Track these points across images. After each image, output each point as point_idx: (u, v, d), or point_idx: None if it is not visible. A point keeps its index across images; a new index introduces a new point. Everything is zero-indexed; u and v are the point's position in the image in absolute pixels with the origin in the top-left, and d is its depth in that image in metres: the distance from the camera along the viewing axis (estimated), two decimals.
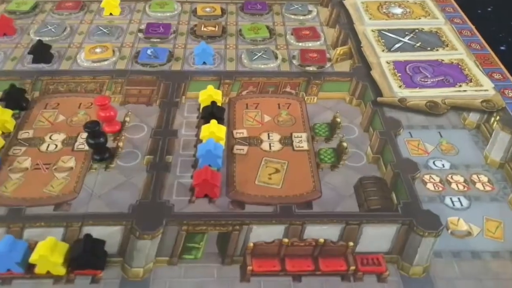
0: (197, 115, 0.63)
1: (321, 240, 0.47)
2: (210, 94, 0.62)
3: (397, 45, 0.76)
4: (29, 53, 0.70)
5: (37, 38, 0.75)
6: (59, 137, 0.58)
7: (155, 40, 0.77)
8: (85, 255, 0.43)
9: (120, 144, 0.57)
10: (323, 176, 0.54)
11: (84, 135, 0.58)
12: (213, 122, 0.57)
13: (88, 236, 0.44)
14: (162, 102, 0.64)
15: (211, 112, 0.60)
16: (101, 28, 0.78)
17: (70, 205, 0.50)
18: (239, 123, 0.61)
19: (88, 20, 0.82)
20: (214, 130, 0.56)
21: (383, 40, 0.77)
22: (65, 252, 0.43)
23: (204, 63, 0.71)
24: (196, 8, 0.84)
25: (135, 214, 0.49)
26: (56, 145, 0.57)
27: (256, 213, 0.50)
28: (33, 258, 0.42)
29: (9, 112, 0.59)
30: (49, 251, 0.42)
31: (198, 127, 0.60)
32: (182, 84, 0.67)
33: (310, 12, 0.85)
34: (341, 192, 0.53)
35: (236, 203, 0.51)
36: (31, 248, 0.44)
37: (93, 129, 0.53)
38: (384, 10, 0.86)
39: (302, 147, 0.58)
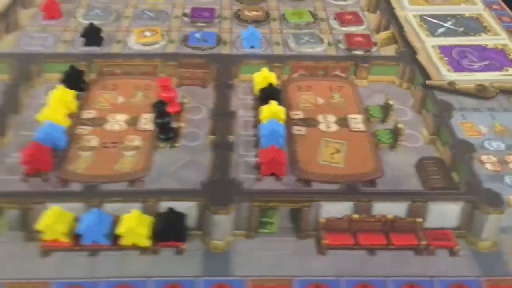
0: (252, 97, 0.64)
1: (390, 216, 0.48)
2: (265, 76, 0.63)
3: (440, 30, 0.77)
4: (81, 36, 0.71)
5: (85, 22, 0.76)
6: (121, 117, 0.60)
7: (201, 24, 0.78)
8: (169, 228, 0.45)
9: (182, 124, 0.58)
10: (382, 156, 0.56)
11: (146, 115, 0.60)
12: (273, 103, 0.58)
13: (171, 209, 0.46)
14: (216, 84, 0.66)
15: (269, 94, 0.61)
16: (146, 12, 0.79)
17: (143, 182, 0.52)
18: (294, 105, 0.63)
19: (132, 4, 0.83)
20: (275, 111, 0.58)
21: (425, 25, 0.78)
22: (149, 224, 0.45)
23: (252, 47, 0.73)
24: None
25: (208, 191, 0.50)
26: (120, 125, 0.58)
27: (324, 191, 0.51)
28: (121, 230, 0.44)
29: (72, 92, 0.60)
30: (136, 223, 0.44)
31: (255, 108, 0.62)
32: (233, 67, 0.69)
33: None
34: (402, 172, 0.54)
35: (302, 181, 0.53)
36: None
37: (161, 109, 0.55)
38: None
39: (359, 128, 0.60)
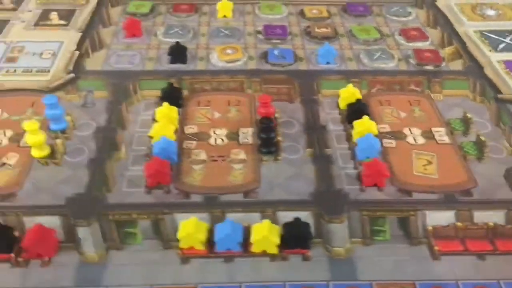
0: (338, 111, 0.68)
1: (491, 223, 0.52)
2: (352, 92, 0.67)
3: (501, 45, 0.81)
4: (168, 54, 0.76)
5: (166, 40, 0.81)
6: (221, 131, 0.64)
7: (275, 41, 0.82)
8: (296, 236, 0.49)
9: (280, 138, 0.62)
10: (472, 167, 0.60)
11: (244, 129, 0.64)
12: (365, 117, 0.62)
13: (297, 219, 0.50)
14: (302, 99, 0.70)
15: (358, 109, 0.65)
16: (222, 30, 0.84)
17: (257, 193, 0.56)
18: (378, 119, 0.67)
19: (205, 22, 0.87)
20: (367, 125, 0.62)
21: (487, 41, 0.82)
22: (278, 233, 0.49)
23: (328, 62, 0.77)
24: (303, 10, 0.90)
25: (319, 201, 0.54)
26: (222, 139, 0.62)
27: (425, 200, 0.55)
28: (255, 238, 0.48)
29: (175, 109, 0.64)
30: (268, 232, 0.48)
31: (343, 122, 0.66)
32: (313, 83, 0.73)
33: (410, 13, 0.91)
34: (493, 182, 0.58)
35: (403, 191, 0.57)
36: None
37: (268, 125, 0.59)
38: (478, 12, 0.91)
39: (444, 140, 0.64)
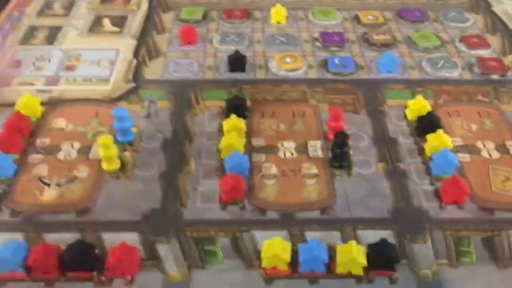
0: (405, 123, 0.66)
1: None
2: (422, 104, 0.65)
3: None
4: (228, 62, 0.74)
5: (222, 47, 0.80)
6: (289, 144, 0.62)
7: (333, 48, 0.80)
8: (382, 257, 0.47)
9: (350, 152, 0.61)
10: None
11: (313, 142, 0.63)
12: (440, 132, 0.60)
13: (383, 240, 0.48)
14: (368, 110, 0.68)
15: (429, 122, 0.63)
16: (277, 37, 0.82)
17: (334, 210, 0.55)
18: (449, 131, 0.65)
19: (259, 29, 0.86)
20: (442, 140, 0.60)
21: None
22: (363, 254, 0.48)
23: (389, 71, 0.75)
24: (358, 16, 0.88)
25: (399, 219, 0.53)
26: (292, 153, 0.61)
27: (509, 219, 0.53)
28: (340, 260, 0.47)
29: (243, 121, 0.63)
30: (354, 253, 0.47)
31: (412, 135, 0.64)
32: (378, 93, 0.71)
33: (467, 19, 0.88)
34: None
35: (484, 209, 0.55)
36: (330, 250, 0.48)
37: (343, 140, 0.57)
38: None
39: None
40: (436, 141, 0.60)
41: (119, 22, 0.87)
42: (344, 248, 0.48)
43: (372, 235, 0.52)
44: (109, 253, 0.47)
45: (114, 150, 0.57)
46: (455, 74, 0.75)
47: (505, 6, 0.93)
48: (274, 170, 0.59)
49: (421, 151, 0.62)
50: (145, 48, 0.79)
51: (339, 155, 0.58)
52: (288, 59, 0.76)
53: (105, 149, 0.56)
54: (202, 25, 0.86)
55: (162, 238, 0.50)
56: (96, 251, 0.49)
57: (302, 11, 0.90)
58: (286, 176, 0.58)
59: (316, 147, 0.62)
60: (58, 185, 0.56)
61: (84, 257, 0.47)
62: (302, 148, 0.62)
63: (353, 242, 0.48)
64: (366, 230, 0.52)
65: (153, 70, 0.75)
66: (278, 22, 0.87)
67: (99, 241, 0.50)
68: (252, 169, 0.59)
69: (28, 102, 0.65)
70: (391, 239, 0.51)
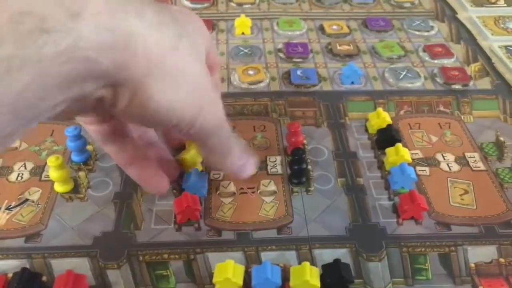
0: (366, 136, 0.66)
1: None
2: (383, 117, 0.65)
3: None
4: None
5: None
6: None
7: (296, 60, 0.80)
8: (338, 280, 0.46)
9: (310, 167, 0.60)
10: (510, 196, 0.58)
11: (272, 158, 0.62)
12: (399, 145, 0.60)
13: (337, 260, 0.48)
14: (329, 123, 0.68)
15: (389, 135, 0.63)
16: (241, 48, 0.82)
17: (290, 229, 0.54)
18: (409, 144, 0.65)
19: (223, 40, 0.85)
20: (401, 153, 0.59)
21: None
22: (318, 276, 0.47)
23: (352, 82, 0.75)
24: (322, 26, 0.88)
25: (356, 237, 0.52)
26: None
27: (464, 234, 0.53)
28: (294, 283, 0.46)
29: None
30: (308, 276, 0.46)
31: (374, 148, 0.64)
32: (340, 105, 0.71)
33: (432, 28, 0.88)
34: None
35: (441, 224, 0.55)
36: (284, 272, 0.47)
37: (301, 156, 0.57)
38: (502, 25, 0.89)
39: (479, 167, 0.62)
40: (394, 155, 0.60)
41: None
42: (297, 270, 0.47)
43: (329, 254, 0.51)
44: (56, 282, 0.46)
45: (66, 171, 0.55)
46: (417, 84, 0.75)
47: (469, 14, 0.93)
48: (232, 187, 0.58)
49: (381, 165, 0.61)
50: None
51: (297, 172, 0.58)
52: (250, 71, 0.76)
53: (56, 171, 0.54)
54: None
55: (113, 263, 0.49)
56: (44, 278, 0.48)
57: (267, 21, 0.90)
58: (243, 193, 0.58)
59: (275, 163, 0.61)
60: (8, 208, 0.55)
61: (30, 287, 0.46)
62: (263, 165, 0.62)
63: (307, 264, 0.47)
64: (322, 249, 0.52)
65: None
66: (243, 33, 0.86)
67: (47, 268, 0.49)
68: (211, 187, 0.58)
69: None
70: (348, 258, 0.51)
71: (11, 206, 0.55)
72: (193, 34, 0.44)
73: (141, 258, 0.50)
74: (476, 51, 0.83)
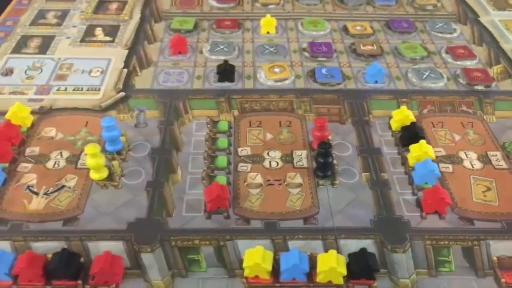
0: (390, 133, 0.68)
1: None
2: (406, 114, 0.66)
3: None
4: (217, 72, 0.76)
5: (212, 57, 0.81)
6: (275, 154, 0.63)
7: (321, 59, 0.82)
8: (364, 268, 0.48)
9: (334, 161, 0.62)
10: None
11: (298, 152, 0.64)
12: (423, 142, 0.62)
13: (363, 249, 0.49)
14: (354, 120, 0.69)
15: (413, 132, 0.64)
16: (267, 47, 0.84)
17: (317, 219, 0.56)
18: (432, 141, 0.66)
19: (249, 39, 0.87)
20: (425, 150, 0.61)
21: None
22: (344, 264, 0.48)
23: (376, 81, 0.76)
24: (346, 26, 0.90)
25: (381, 229, 0.54)
26: (277, 162, 0.62)
27: (487, 229, 0.54)
28: (321, 269, 0.48)
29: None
30: (335, 263, 0.47)
31: (397, 145, 0.65)
32: (364, 103, 0.72)
33: (454, 30, 0.90)
34: None
35: (464, 219, 0.56)
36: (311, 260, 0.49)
37: (327, 150, 0.58)
38: None
39: (502, 165, 0.63)
40: (418, 151, 0.61)
41: (112, 31, 0.88)
42: (324, 258, 0.49)
43: (354, 244, 0.53)
44: (94, 261, 0.48)
45: (102, 160, 0.58)
46: (440, 84, 0.76)
47: (492, 17, 0.94)
48: (259, 179, 0.60)
49: (404, 161, 0.63)
50: (136, 58, 0.81)
51: (323, 165, 0.59)
52: (276, 69, 0.78)
53: (93, 159, 0.57)
54: (193, 35, 0.88)
55: (147, 247, 0.51)
56: (82, 259, 0.50)
57: (292, 22, 0.92)
58: (270, 185, 0.59)
59: (301, 157, 0.63)
60: (46, 194, 0.57)
61: (69, 266, 0.48)
62: (288, 158, 0.63)
63: (334, 252, 0.49)
64: (348, 240, 0.53)
65: (143, 80, 0.77)
66: (268, 32, 0.88)
67: (84, 250, 0.51)
68: (238, 177, 0.60)
69: (18, 112, 0.66)
70: (373, 248, 0.52)
71: (49, 192, 0.57)
72: None
73: (173, 243, 0.52)
74: (498, 53, 0.83)
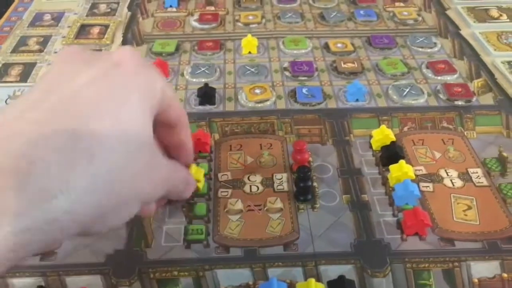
0: (371, 152, 0.68)
1: None
2: (386, 134, 0.66)
3: None
4: (198, 96, 0.76)
5: (193, 80, 0.81)
6: (256, 178, 0.63)
7: (302, 78, 0.82)
8: None
9: (315, 184, 0.62)
10: None
11: (279, 176, 0.64)
12: (402, 162, 0.62)
13: (341, 276, 0.49)
14: (334, 140, 0.69)
15: (393, 152, 0.64)
16: (248, 67, 0.84)
17: (297, 245, 0.55)
18: (413, 160, 0.66)
19: (230, 59, 0.87)
20: (404, 170, 0.61)
21: None
22: None
23: (357, 100, 0.76)
24: (327, 44, 0.90)
25: (361, 253, 0.54)
26: (258, 187, 0.62)
27: (468, 250, 0.54)
28: None
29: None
30: None
31: (378, 165, 0.65)
32: (344, 122, 0.72)
33: (435, 44, 0.90)
34: None
35: (444, 240, 0.56)
36: None
37: (306, 174, 0.58)
38: (505, 41, 0.90)
39: (482, 182, 0.63)
40: (398, 171, 0.61)
41: None
42: (303, 286, 0.48)
43: (335, 270, 0.52)
44: None
45: None
46: (421, 101, 0.76)
47: (473, 30, 0.95)
48: (239, 205, 0.60)
49: (385, 182, 0.63)
50: None
51: (302, 189, 0.59)
52: (257, 90, 0.78)
53: None
54: (174, 58, 0.88)
55: (125, 281, 0.51)
56: None
57: (274, 40, 0.92)
58: (251, 211, 0.59)
59: (282, 180, 0.63)
60: None
61: None
62: (269, 182, 0.63)
63: (312, 280, 0.48)
64: (328, 265, 0.53)
65: None
66: (250, 52, 0.89)
67: (61, 286, 0.51)
68: (218, 204, 0.60)
69: None
70: (353, 274, 0.52)
71: None
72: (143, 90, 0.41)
73: (151, 275, 0.52)
74: (479, 67, 0.84)
